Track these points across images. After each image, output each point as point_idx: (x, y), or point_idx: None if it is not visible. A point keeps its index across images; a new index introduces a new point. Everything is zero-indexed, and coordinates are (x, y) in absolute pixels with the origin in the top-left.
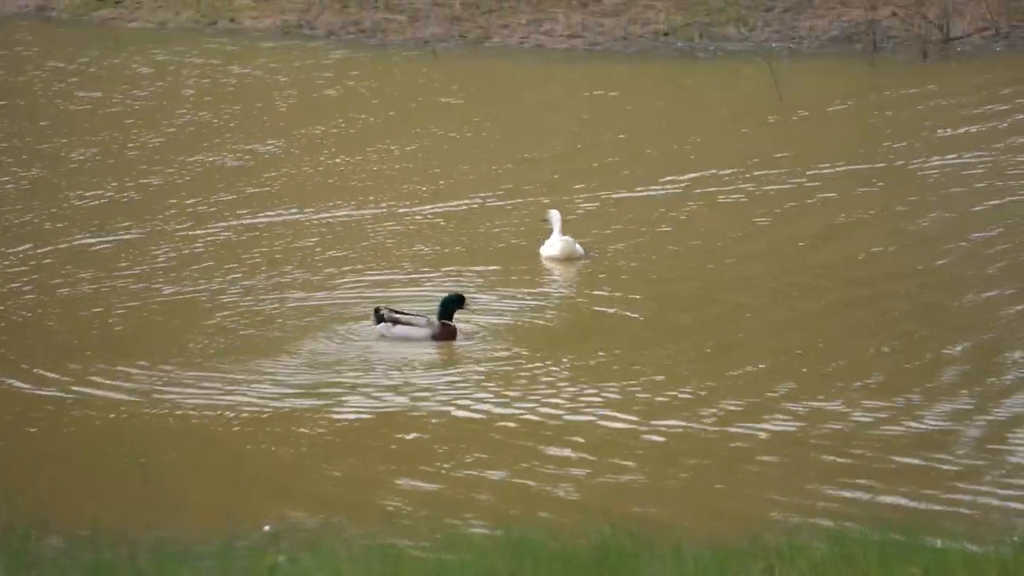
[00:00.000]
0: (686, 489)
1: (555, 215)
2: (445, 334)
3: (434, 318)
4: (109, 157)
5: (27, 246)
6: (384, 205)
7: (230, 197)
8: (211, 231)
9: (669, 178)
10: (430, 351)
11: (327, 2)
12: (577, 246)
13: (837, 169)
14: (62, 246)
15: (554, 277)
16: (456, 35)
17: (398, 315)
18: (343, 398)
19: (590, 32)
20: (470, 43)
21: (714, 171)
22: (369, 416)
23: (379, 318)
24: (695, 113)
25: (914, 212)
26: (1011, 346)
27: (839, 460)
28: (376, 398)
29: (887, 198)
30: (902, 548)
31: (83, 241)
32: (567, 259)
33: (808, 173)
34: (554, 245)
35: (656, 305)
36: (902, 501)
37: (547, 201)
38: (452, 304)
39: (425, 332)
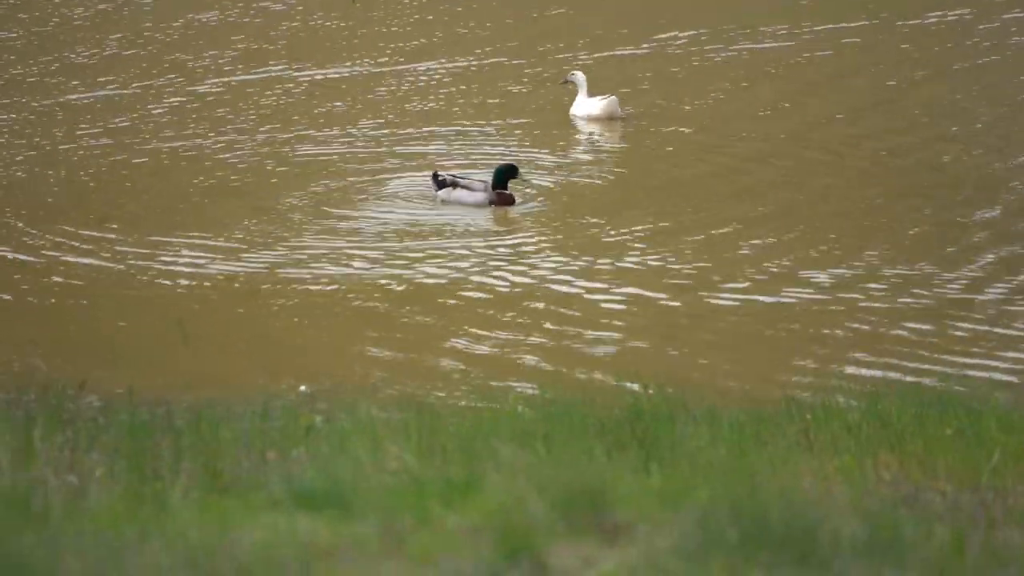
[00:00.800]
0: (720, 355)
1: (580, 76)
2: (502, 200)
3: (489, 185)
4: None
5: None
6: (391, 62)
7: (233, 53)
8: (216, 86)
9: (670, 34)
10: (486, 217)
11: None
12: (618, 105)
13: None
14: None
15: (595, 138)
16: None
17: (458, 179)
18: (387, 265)
19: None
20: None
21: (718, 28)
22: (408, 283)
23: (440, 183)
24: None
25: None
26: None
27: (867, 327)
28: (417, 267)
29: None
30: (935, 407)
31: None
32: (608, 118)
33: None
34: (594, 105)
35: (700, 168)
36: (934, 365)
37: (562, 64)
38: (505, 174)
39: (482, 197)
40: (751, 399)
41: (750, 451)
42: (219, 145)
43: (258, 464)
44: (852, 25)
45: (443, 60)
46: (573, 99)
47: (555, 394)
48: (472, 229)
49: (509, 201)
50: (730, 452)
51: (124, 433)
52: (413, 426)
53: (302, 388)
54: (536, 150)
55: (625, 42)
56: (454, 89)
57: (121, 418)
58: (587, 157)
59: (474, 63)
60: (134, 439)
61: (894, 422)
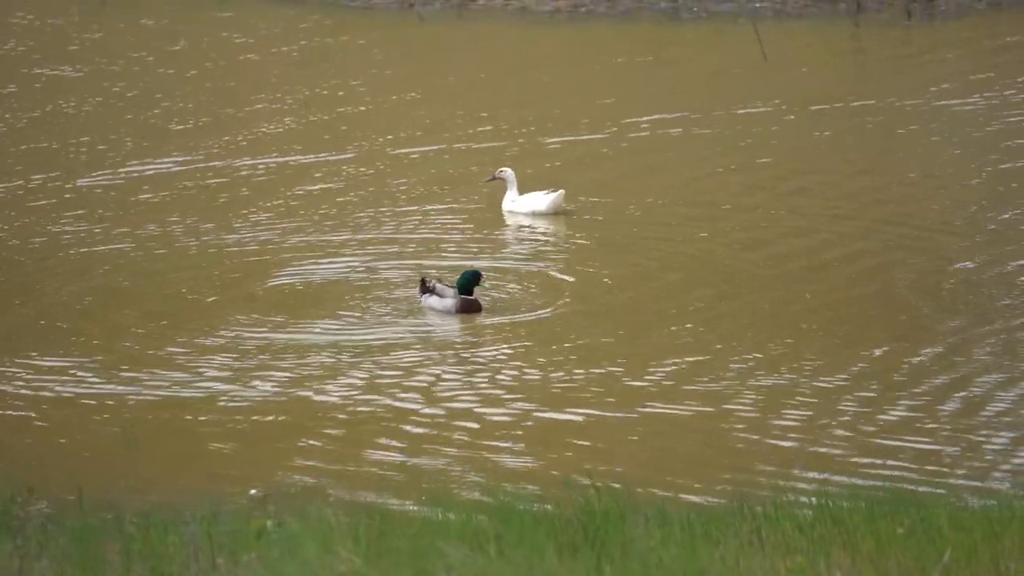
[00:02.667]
0: (669, 453)
1: (510, 172)
2: (466, 307)
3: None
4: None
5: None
6: (366, 146)
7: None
8: (201, 175)
9: (632, 120)
10: (451, 323)
11: None
12: (562, 199)
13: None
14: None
15: (545, 235)
16: None
17: (436, 285)
18: (334, 366)
19: None
20: (454, 6)
21: (686, 113)
22: (361, 389)
23: (423, 288)
24: (675, 69)
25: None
26: (993, 310)
27: (817, 423)
28: (363, 367)
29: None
30: (887, 507)
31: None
32: (554, 213)
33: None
34: (540, 200)
35: (653, 263)
36: (886, 460)
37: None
38: (470, 280)
39: (450, 304)
40: (702, 497)
41: (701, 551)
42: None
43: (207, 570)
44: (760, 110)
45: (356, 152)
46: (503, 195)
47: (506, 495)
48: (433, 339)
49: (475, 308)
50: (681, 552)
51: (73, 540)
52: (363, 529)
53: (252, 491)
54: (488, 250)
55: (545, 133)
56: (389, 181)
57: (71, 524)
58: (544, 255)
59: (399, 151)
60: (83, 545)
61: (846, 520)
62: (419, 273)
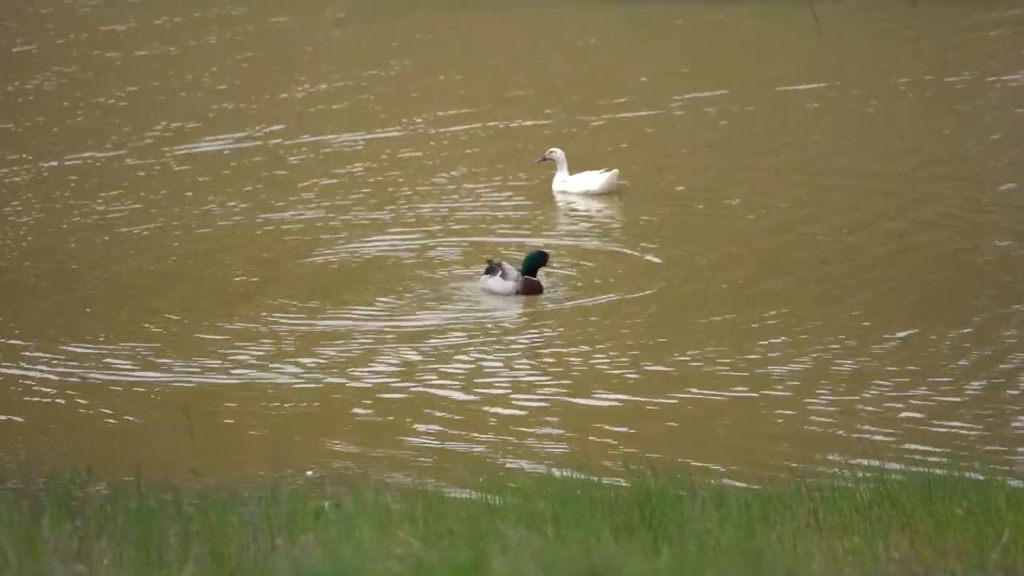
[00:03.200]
0: (727, 434)
1: (560, 153)
2: (528, 289)
3: (519, 274)
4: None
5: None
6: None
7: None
8: (236, 150)
9: (681, 98)
10: (511, 305)
11: None
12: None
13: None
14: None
15: (601, 215)
16: None
17: (501, 266)
18: (398, 357)
19: None
20: None
21: (736, 91)
22: (415, 365)
23: (488, 269)
24: (726, 47)
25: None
26: None
27: (874, 405)
28: (418, 350)
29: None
30: (945, 486)
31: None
32: (607, 193)
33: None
34: (593, 179)
35: (714, 241)
36: (943, 442)
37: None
38: (536, 261)
39: (511, 286)
40: (759, 480)
41: (759, 532)
42: (199, 217)
43: (266, 551)
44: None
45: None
46: (553, 175)
47: (563, 475)
48: (491, 323)
49: (536, 289)
50: (739, 533)
51: (132, 520)
52: (420, 510)
53: (309, 472)
54: (543, 230)
55: (592, 111)
56: (438, 156)
57: (129, 505)
58: (598, 236)
59: (441, 129)
60: (142, 526)
61: (904, 502)
62: (488, 256)
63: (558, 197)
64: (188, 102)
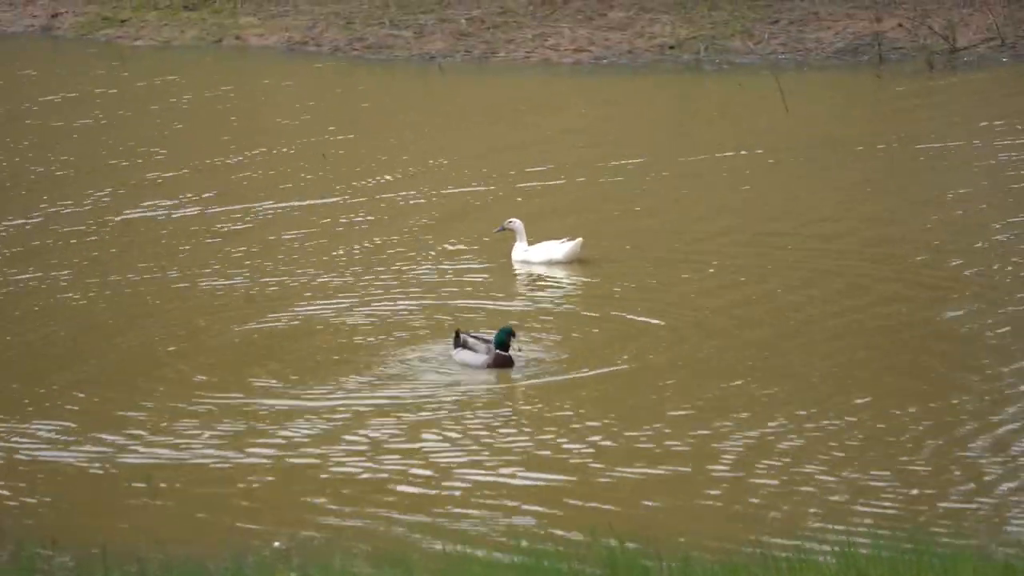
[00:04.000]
0: (693, 506)
1: (519, 223)
2: (499, 362)
3: (491, 347)
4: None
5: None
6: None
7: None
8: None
9: (648, 166)
10: (482, 377)
11: (331, 19)
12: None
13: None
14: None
15: (566, 284)
16: (462, 51)
17: (470, 338)
18: (357, 411)
19: (596, 46)
20: (476, 58)
21: (704, 157)
22: (383, 438)
23: (457, 342)
24: (695, 117)
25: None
26: (1010, 356)
27: (839, 475)
28: (390, 414)
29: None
30: (911, 560)
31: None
32: (569, 262)
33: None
34: (557, 249)
35: (684, 307)
36: (910, 510)
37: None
38: (508, 335)
39: (483, 359)
40: (725, 550)
41: None
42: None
43: None
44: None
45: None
46: (511, 245)
47: (530, 547)
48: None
49: (507, 363)
50: None
51: None
52: None
53: (276, 543)
54: (504, 301)
55: (554, 178)
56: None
57: None
58: (563, 306)
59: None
60: None
61: (870, 572)
62: (455, 326)
63: (517, 267)
64: (120, 170)
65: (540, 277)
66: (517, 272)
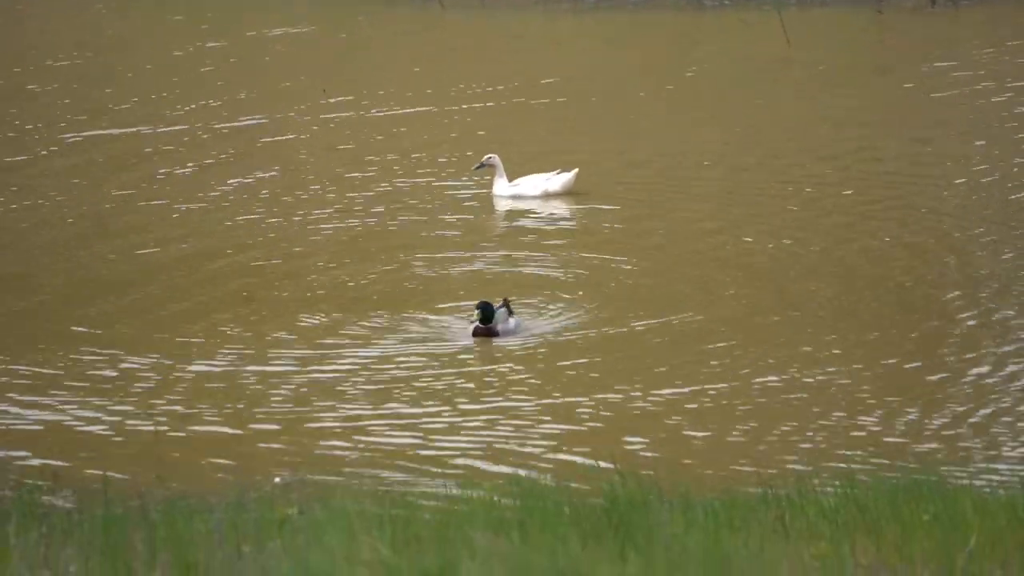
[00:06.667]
0: (694, 441)
1: (496, 159)
2: (478, 333)
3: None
4: None
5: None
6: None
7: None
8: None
9: (644, 107)
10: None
11: None
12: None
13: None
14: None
15: (546, 221)
16: None
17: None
18: (362, 352)
19: None
20: None
21: (702, 98)
22: (384, 371)
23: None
24: (694, 55)
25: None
26: (1009, 298)
27: (841, 411)
28: (389, 357)
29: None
30: (911, 492)
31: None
32: (563, 194)
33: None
34: (553, 181)
35: (677, 248)
36: (910, 445)
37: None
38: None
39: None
40: (726, 486)
41: (725, 538)
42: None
43: (232, 558)
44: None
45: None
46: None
47: (531, 482)
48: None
49: (491, 334)
50: (706, 539)
51: (98, 528)
52: (388, 516)
53: (277, 479)
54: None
55: (548, 117)
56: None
57: (96, 512)
58: (557, 246)
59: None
60: (108, 533)
61: (870, 506)
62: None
63: (497, 202)
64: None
65: (519, 215)
66: (497, 208)
